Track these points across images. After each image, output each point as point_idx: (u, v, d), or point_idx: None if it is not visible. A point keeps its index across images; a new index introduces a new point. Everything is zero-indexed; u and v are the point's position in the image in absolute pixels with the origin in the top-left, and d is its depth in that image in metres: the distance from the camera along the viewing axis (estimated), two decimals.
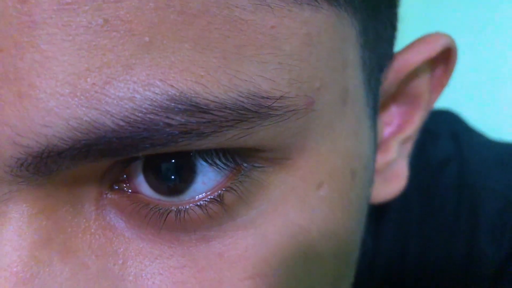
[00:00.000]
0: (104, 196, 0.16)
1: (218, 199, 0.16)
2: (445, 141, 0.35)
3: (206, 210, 0.16)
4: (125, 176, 0.16)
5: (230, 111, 0.14)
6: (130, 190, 0.16)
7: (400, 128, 0.26)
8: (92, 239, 0.16)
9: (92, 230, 0.16)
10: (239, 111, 0.14)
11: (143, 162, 0.16)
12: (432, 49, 0.23)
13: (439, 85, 0.25)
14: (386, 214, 0.34)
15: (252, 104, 0.14)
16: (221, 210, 0.16)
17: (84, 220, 0.16)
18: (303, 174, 0.17)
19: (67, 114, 0.13)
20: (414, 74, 0.24)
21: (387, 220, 0.34)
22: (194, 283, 0.16)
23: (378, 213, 0.34)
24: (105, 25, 0.13)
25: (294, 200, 0.17)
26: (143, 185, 0.16)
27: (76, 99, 0.13)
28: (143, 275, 0.16)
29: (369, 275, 0.34)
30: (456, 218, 0.32)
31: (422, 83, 0.25)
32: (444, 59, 0.24)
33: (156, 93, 0.13)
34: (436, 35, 0.24)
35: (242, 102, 0.14)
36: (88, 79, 0.13)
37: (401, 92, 0.25)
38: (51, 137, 0.13)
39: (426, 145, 0.34)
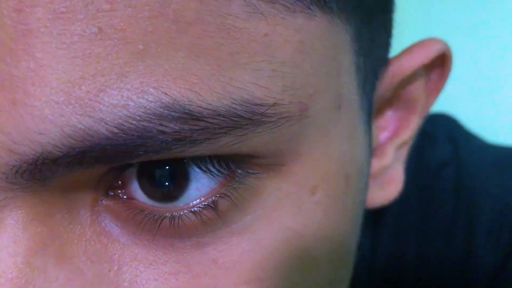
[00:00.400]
0: (99, 202, 0.16)
1: (212, 206, 0.16)
2: (442, 145, 0.35)
3: (200, 216, 0.16)
4: (120, 182, 0.16)
5: (223, 118, 0.14)
6: (125, 196, 0.16)
7: (396, 133, 0.26)
8: (87, 245, 0.16)
9: (87, 236, 0.16)
10: (233, 118, 0.14)
11: (137, 169, 0.16)
12: (427, 55, 0.23)
13: (435, 90, 0.26)
14: (383, 217, 0.34)
15: (245, 111, 0.14)
16: (216, 217, 0.16)
17: (80, 227, 0.16)
18: (297, 180, 0.17)
19: (62, 122, 0.13)
20: (409, 79, 0.24)
21: (384, 224, 0.34)
22: None
23: (375, 217, 0.34)
24: (99, 34, 0.13)
25: (289, 206, 0.17)
26: (137, 192, 0.16)
27: (70, 106, 0.13)
28: (138, 281, 0.16)
29: (367, 278, 0.34)
30: (454, 220, 0.33)
31: (418, 88, 0.25)
32: (439, 64, 0.25)
33: (150, 101, 0.13)
34: (431, 40, 0.24)
35: (236, 109, 0.14)
36: (83, 87, 0.13)
37: (396, 97, 0.25)
38: (46, 144, 0.13)
39: (424, 149, 0.35)
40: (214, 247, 0.16)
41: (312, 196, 0.18)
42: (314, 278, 0.18)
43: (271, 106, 0.15)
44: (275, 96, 0.15)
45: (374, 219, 0.34)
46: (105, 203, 0.16)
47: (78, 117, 0.13)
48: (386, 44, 0.23)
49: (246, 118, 0.15)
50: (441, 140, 0.35)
